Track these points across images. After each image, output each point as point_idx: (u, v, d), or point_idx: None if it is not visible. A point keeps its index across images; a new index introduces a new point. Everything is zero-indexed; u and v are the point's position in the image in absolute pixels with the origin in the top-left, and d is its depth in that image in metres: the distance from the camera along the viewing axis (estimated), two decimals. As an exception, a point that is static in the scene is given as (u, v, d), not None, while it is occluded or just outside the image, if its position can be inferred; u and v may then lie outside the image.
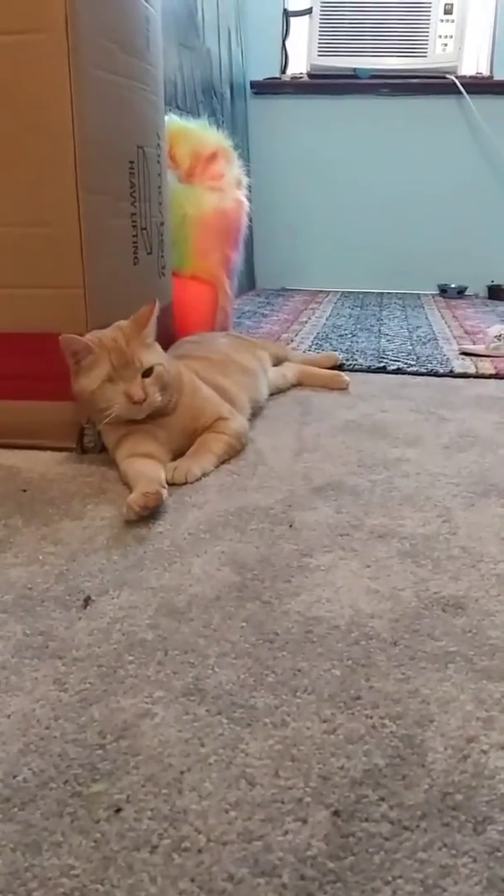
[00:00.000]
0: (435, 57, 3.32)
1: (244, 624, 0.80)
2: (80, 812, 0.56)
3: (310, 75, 3.44)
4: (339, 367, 1.84)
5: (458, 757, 0.62)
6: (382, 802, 0.57)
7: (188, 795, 0.58)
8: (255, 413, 1.48)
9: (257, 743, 0.63)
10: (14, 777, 0.59)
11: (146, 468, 1.11)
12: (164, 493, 1.05)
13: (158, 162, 1.52)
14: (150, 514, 1.03)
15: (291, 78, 3.50)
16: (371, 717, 0.66)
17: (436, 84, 3.33)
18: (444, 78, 3.32)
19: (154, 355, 1.18)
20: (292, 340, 2.29)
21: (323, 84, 3.42)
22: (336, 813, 0.56)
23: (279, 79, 3.51)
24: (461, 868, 0.52)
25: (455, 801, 0.57)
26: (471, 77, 3.36)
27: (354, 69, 3.36)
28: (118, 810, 0.56)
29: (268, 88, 3.49)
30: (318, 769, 0.60)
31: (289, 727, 0.65)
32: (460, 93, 3.30)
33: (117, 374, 1.12)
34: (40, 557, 0.94)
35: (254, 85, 3.46)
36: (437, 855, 0.53)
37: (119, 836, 0.54)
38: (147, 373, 1.15)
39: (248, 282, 3.51)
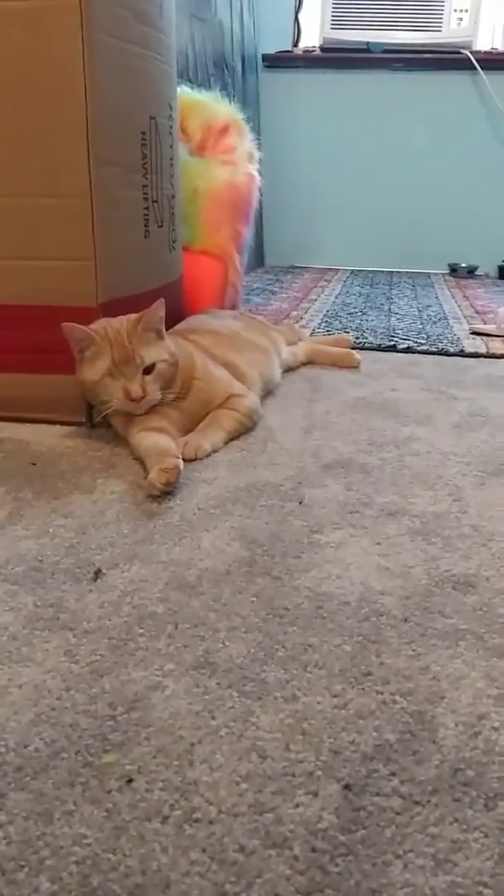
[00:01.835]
0: (449, 31, 3.27)
1: (254, 599, 0.80)
2: (91, 782, 0.56)
3: (322, 49, 3.39)
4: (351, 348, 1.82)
5: (469, 733, 0.62)
6: (393, 777, 0.57)
7: (199, 767, 0.58)
8: (268, 393, 1.47)
9: (268, 716, 0.63)
10: (26, 747, 0.60)
11: (159, 441, 1.10)
12: (181, 464, 1.04)
13: (171, 133, 1.50)
14: (171, 488, 1.03)
15: (304, 51, 3.45)
16: (382, 693, 0.66)
17: (450, 59, 3.28)
18: (459, 53, 3.27)
19: (158, 351, 1.16)
20: (301, 318, 2.27)
21: (335, 58, 3.37)
22: (347, 787, 0.56)
23: (291, 52, 3.46)
24: (472, 843, 0.52)
25: (466, 777, 0.57)
26: (486, 52, 3.31)
27: (367, 43, 3.31)
28: (130, 781, 0.56)
29: (280, 62, 3.44)
30: (328, 743, 0.60)
31: (299, 701, 0.65)
32: (475, 68, 3.26)
33: (118, 370, 1.12)
34: (50, 530, 0.94)
35: (265, 58, 3.42)
36: (448, 830, 0.53)
37: (131, 806, 0.54)
38: (149, 370, 1.14)
39: (257, 259, 3.48)
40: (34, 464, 1.14)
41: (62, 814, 0.54)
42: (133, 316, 1.16)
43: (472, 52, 3.25)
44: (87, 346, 1.13)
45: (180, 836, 0.52)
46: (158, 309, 1.16)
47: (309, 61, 3.43)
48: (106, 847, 0.51)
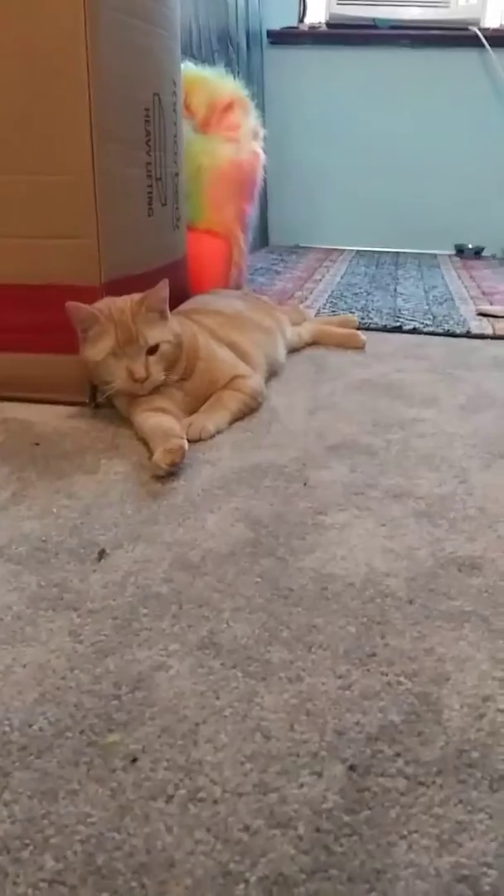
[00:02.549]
0: (457, 8, 3.22)
1: (258, 579, 0.80)
2: (96, 761, 0.56)
3: (328, 25, 3.35)
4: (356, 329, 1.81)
5: (474, 715, 0.61)
6: (398, 758, 0.57)
7: (203, 747, 0.58)
8: (273, 374, 1.46)
9: (272, 697, 0.63)
10: (30, 726, 0.60)
11: (163, 422, 1.10)
12: (186, 444, 1.04)
13: (174, 110, 1.49)
14: (176, 469, 1.02)
15: (309, 27, 3.40)
16: (386, 674, 0.66)
17: (457, 36, 3.24)
18: (467, 30, 3.22)
19: (161, 332, 1.15)
20: (306, 299, 2.26)
21: (341, 34, 3.33)
22: (352, 767, 0.56)
23: (296, 28, 3.42)
24: (477, 824, 0.52)
25: (471, 759, 0.57)
26: (494, 29, 3.26)
27: (374, 19, 3.27)
28: (134, 760, 0.56)
29: (285, 38, 3.40)
30: (333, 724, 0.60)
31: (304, 682, 0.65)
32: (482, 45, 3.21)
33: (121, 350, 1.11)
34: (54, 510, 0.93)
35: (270, 34, 3.37)
36: (452, 811, 0.53)
37: (135, 785, 0.54)
38: (152, 350, 1.13)
39: (261, 238, 3.46)
40: (37, 444, 1.14)
41: (67, 793, 0.54)
42: (137, 296, 1.15)
43: (480, 29, 3.21)
44: (90, 325, 1.12)
45: (185, 815, 0.52)
46: (162, 289, 1.15)
47: (314, 37, 3.39)
48: (111, 826, 0.51)
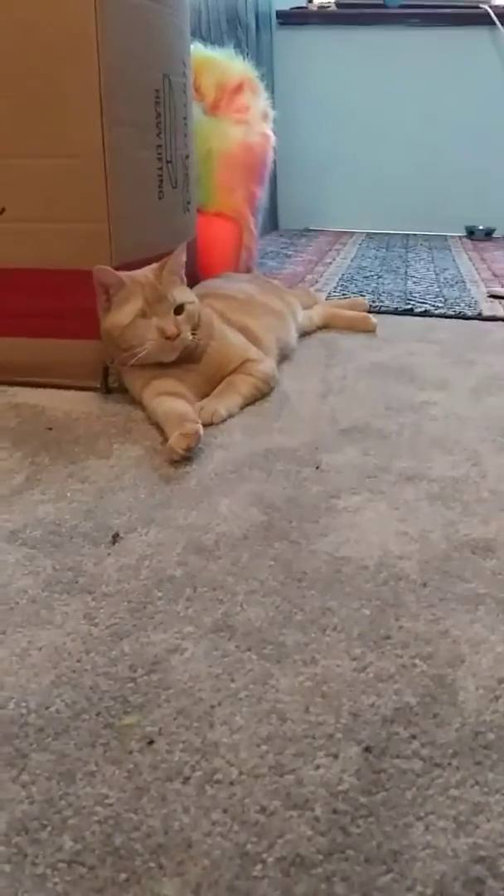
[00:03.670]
0: (468, -15, 3.18)
1: (272, 563, 0.80)
2: (112, 743, 0.57)
3: (338, 4, 3.31)
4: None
5: (489, 697, 0.61)
6: (414, 740, 0.57)
7: (219, 729, 0.58)
8: (284, 357, 1.45)
9: (287, 679, 0.63)
10: (47, 708, 0.60)
11: (177, 406, 1.10)
12: (201, 429, 1.03)
13: (184, 92, 1.47)
14: (192, 453, 1.02)
15: (319, 7, 3.36)
16: (401, 657, 0.66)
17: (468, 14, 3.19)
18: (478, 8, 3.17)
19: (185, 293, 1.16)
20: (316, 282, 2.25)
21: (351, 14, 3.29)
22: (367, 749, 0.56)
23: (306, 8, 3.38)
24: (493, 805, 0.52)
25: (487, 741, 0.57)
26: (506, 7, 3.22)
27: (384, -2, 3.23)
28: (150, 742, 0.57)
29: (294, 18, 3.36)
30: (348, 706, 0.60)
31: (318, 664, 0.65)
32: (493, 24, 3.17)
33: (150, 310, 1.11)
34: (68, 494, 0.94)
35: (280, 15, 3.33)
36: (469, 792, 0.53)
37: (152, 767, 0.55)
38: (179, 310, 1.13)
39: (271, 221, 3.44)
40: (50, 429, 1.14)
41: (84, 774, 0.54)
42: (155, 265, 1.16)
43: (491, 7, 3.16)
44: (116, 290, 1.12)
45: (201, 796, 0.52)
46: (181, 253, 1.16)
47: (324, 17, 3.35)
48: (128, 807, 0.51)
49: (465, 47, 3.26)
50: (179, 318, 1.13)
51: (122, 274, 1.13)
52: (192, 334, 1.15)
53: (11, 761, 0.55)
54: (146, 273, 1.14)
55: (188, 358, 1.17)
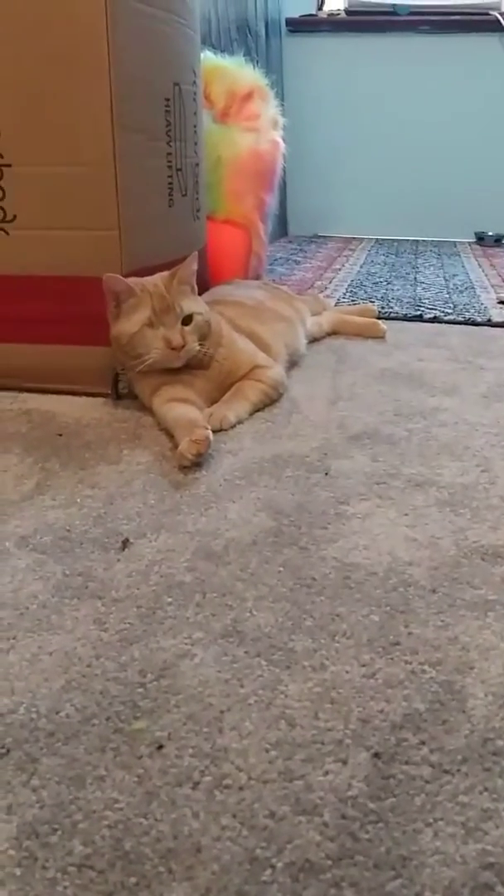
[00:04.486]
0: (478, -8, 3.19)
1: (281, 569, 0.80)
2: (122, 748, 0.57)
3: (347, 12, 3.32)
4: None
5: (498, 703, 0.61)
6: (423, 746, 0.57)
7: (229, 734, 0.58)
8: (294, 363, 1.46)
9: (296, 685, 0.63)
10: (57, 713, 0.60)
11: (186, 412, 1.10)
12: (211, 435, 1.04)
13: (194, 100, 1.48)
14: (202, 459, 1.03)
15: (328, 15, 3.38)
16: (410, 663, 0.66)
17: (478, 21, 3.20)
18: (487, 15, 3.19)
19: (194, 304, 1.17)
20: (325, 288, 2.25)
21: (360, 21, 3.31)
22: (376, 755, 0.56)
23: (315, 16, 3.39)
24: (502, 812, 0.52)
25: (496, 747, 0.57)
26: (515, 13, 3.23)
27: (393, 5, 3.24)
28: (160, 747, 0.57)
29: (304, 26, 3.38)
30: (357, 712, 0.61)
31: (328, 670, 0.65)
32: (503, 31, 3.17)
33: (158, 320, 1.12)
34: (78, 500, 0.94)
35: (289, 22, 3.35)
36: (478, 799, 0.53)
37: (161, 772, 0.55)
38: (187, 321, 1.14)
39: (281, 228, 3.45)
40: (60, 435, 1.14)
41: (94, 779, 0.54)
42: (166, 272, 1.17)
43: (501, 14, 3.17)
44: (126, 298, 1.13)
45: (211, 801, 0.53)
46: (192, 263, 1.17)
47: (333, 25, 3.37)
48: (138, 812, 0.52)
49: (475, 54, 3.27)
50: (187, 328, 1.14)
51: (132, 281, 1.14)
52: (200, 345, 1.16)
53: (22, 765, 0.55)
54: (156, 281, 1.15)
55: (197, 364, 1.17)
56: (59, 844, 0.49)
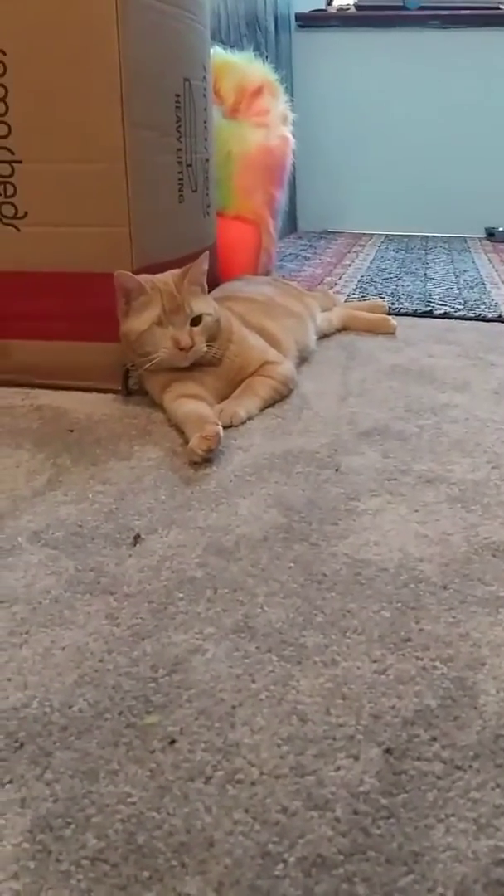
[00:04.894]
0: (489, -14, 3.17)
1: (292, 565, 0.80)
2: (135, 742, 0.57)
3: (356, 6, 3.31)
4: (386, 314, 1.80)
5: (510, 700, 0.61)
6: (435, 742, 0.57)
7: (240, 729, 0.58)
8: (304, 359, 1.46)
9: (308, 681, 0.64)
10: (70, 707, 0.61)
11: (197, 408, 1.10)
12: (221, 431, 1.04)
13: (204, 96, 1.48)
14: (212, 455, 1.03)
15: (338, 10, 3.37)
16: (422, 659, 0.66)
17: (489, 15, 3.19)
18: (497, 9, 3.17)
19: (204, 304, 1.17)
20: (335, 284, 2.25)
21: (370, 16, 3.30)
22: (388, 751, 0.56)
23: (325, 10, 3.38)
24: (514, 808, 0.52)
25: (508, 743, 0.57)
26: (527, 7, 3.21)
27: (403, 0, 3.22)
28: (172, 742, 0.57)
29: (313, 21, 3.37)
30: (369, 708, 0.61)
31: (339, 666, 0.65)
32: (515, 24, 3.16)
33: (167, 319, 1.12)
34: (89, 496, 0.94)
35: (299, 17, 3.35)
36: (490, 795, 0.53)
37: (174, 766, 0.55)
38: (196, 321, 1.14)
39: (290, 224, 3.44)
40: (72, 431, 1.15)
41: (107, 773, 0.55)
42: (177, 270, 1.17)
43: (512, 7, 3.16)
44: (136, 295, 1.13)
45: (223, 796, 0.53)
46: (203, 262, 1.17)
47: (343, 20, 3.36)
48: (150, 806, 0.52)
49: (485, 49, 3.25)
50: (196, 329, 1.14)
51: (143, 279, 1.14)
52: (209, 345, 1.16)
53: (35, 759, 0.56)
54: (167, 280, 1.15)
55: (208, 361, 1.17)
56: (72, 838, 0.50)
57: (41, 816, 0.51)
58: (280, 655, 0.67)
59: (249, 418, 1.17)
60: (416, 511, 0.91)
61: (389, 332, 1.67)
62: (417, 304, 1.96)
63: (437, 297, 2.06)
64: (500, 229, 3.32)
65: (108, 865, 0.48)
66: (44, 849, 0.49)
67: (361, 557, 0.81)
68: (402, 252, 2.93)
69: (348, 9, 3.35)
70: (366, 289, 2.17)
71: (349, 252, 2.93)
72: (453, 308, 1.92)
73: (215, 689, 0.63)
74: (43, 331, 1.30)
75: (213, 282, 1.55)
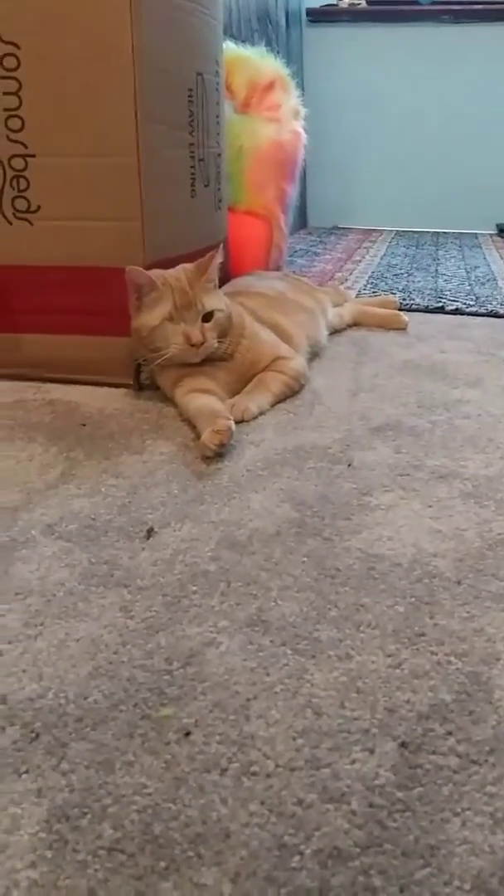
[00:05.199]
0: (501, -20, 3.16)
1: (305, 559, 0.80)
2: (150, 734, 0.57)
3: (368, 1, 3.30)
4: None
5: (525, 695, 0.61)
6: (450, 736, 0.57)
7: (255, 722, 0.58)
8: (315, 355, 1.45)
9: (322, 674, 0.64)
10: (85, 698, 0.61)
11: (209, 403, 1.10)
12: (233, 425, 1.04)
13: (217, 90, 1.48)
14: (224, 450, 1.03)
15: (349, 4, 3.36)
16: (436, 654, 0.66)
17: (501, 10, 3.17)
18: (511, 3, 3.16)
19: (216, 300, 1.16)
20: (346, 280, 2.24)
21: (382, 11, 3.29)
22: (403, 745, 0.56)
23: (336, 5, 3.37)
24: (530, 802, 0.52)
25: (523, 738, 0.57)
26: (539, 2, 3.19)
27: (416, -6, 3.22)
28: (187, 734, 0.57)
29: (324, 16, 3.36)
30: (383, 702, 0.61)
31: (353, 660, 0.65)
32: (527, 19, 3.15)
33: (178, 315, 1.12)
34: (102, 489, 0.95)
35: (310, 12, 3.34)
36: (506, 789, 0.53)
37: (189, 758, 0.55)
38: (207, 317, 1.14)
39: (300, 219, 3.44)
40: (84, 425, 1.15)
41: (122, 764, 0.55)
42: (189, 265, 1.16)
43: (524, 2, 3.14)
44: (148, 291, 1.13)
45: (239, 788, 0.53)
46: (216, 258, 1.16)
47: (354, 14, 3.35)
48: (166, 797, 0.52)
49: (497, 43, 3.24)
50: (207, 325, 1.14)
51: (155, 274, 1.14)
52: (220, 341, 1.16)
53: (51, 750, 0.56)
54: (179, 275, 1.15)
55: (219, 356, 1.17)
56: (88, 828, 0.50)
57: (57, 806, 0.51)
58: (294, 649, 0.67)
59: (261, 413, 1.17)
60: (430, 506, 0.91)
61: (401, 328, 1.67)
62: (429, 299, 1.96)
63: (448, 292, 2.06)
64: (512, 225, 3.32)
65: (124, 855, 0.48)
66: (60, 838, 0.49)
67: (375, 552, 0.81)
68: (413, 248, 2.93)
69: (359, 4, 3.34)
70: (377, 284, 2.16)
71: (360, 248, 2.93)
72: (465, 304, 1.91)
73: (230, 681, 0.63)
74: (55, 325, 1.30)
75: (224, 277, 1.54)
